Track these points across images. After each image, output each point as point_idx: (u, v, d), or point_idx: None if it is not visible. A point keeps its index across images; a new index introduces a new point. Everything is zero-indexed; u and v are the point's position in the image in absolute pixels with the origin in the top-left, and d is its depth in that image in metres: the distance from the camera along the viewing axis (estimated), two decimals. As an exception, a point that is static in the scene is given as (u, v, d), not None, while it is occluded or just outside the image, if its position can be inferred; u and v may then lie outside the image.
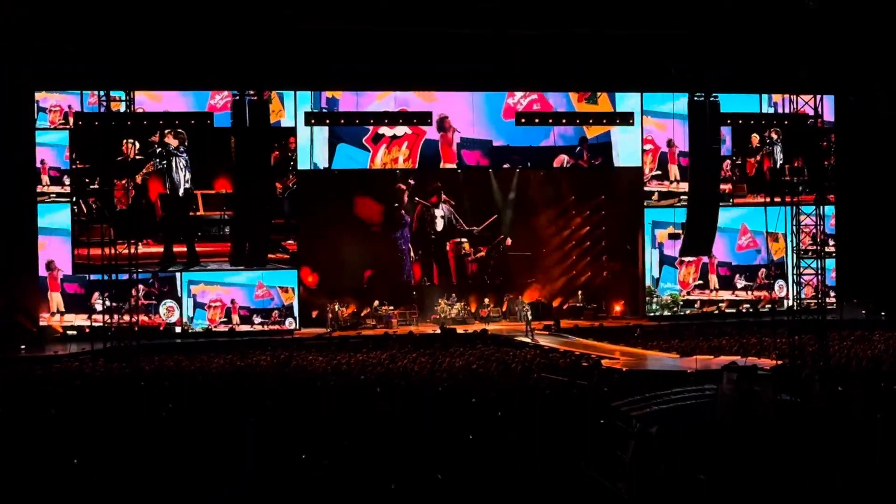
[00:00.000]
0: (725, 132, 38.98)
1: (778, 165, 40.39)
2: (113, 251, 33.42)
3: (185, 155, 37.85)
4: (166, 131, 37.57)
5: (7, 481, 17.42)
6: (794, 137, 34.19)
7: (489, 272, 42.66)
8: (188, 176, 37.97)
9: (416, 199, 42.00)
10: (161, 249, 38.07)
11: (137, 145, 37.02)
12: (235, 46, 34.95)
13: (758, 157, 41.43)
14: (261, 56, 34.88)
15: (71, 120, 36.61)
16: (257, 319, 38.58)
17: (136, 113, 35.42)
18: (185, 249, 38.31)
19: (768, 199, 40.19)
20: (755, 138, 41.23)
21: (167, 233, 38.06)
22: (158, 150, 37.61)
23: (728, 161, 40.92)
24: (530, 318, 38.26)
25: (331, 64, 37.56)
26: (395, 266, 41.96)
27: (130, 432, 20.55)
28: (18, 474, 17.71)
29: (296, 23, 34.83)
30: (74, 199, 36.91)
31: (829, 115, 39.36)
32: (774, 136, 40.96)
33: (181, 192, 38.04)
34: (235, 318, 38.38)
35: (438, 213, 42.32)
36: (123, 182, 36.14)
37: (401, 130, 39.83)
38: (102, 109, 33.04)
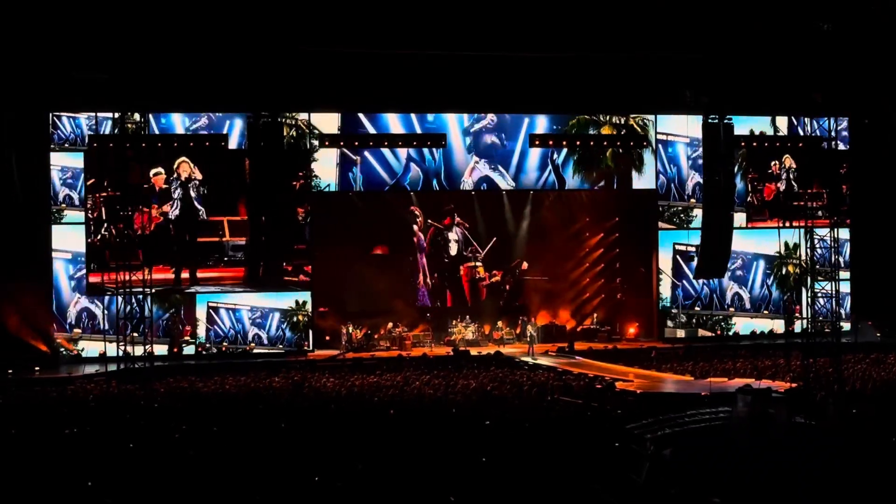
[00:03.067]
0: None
1: (795, 189, 40.02)
2: (127, 276, 33.26)
3: (197, 181, 37.83)
4: (180, 160, 37.68)
5: (23, 503, 17.45)
6: (811, 161, 34.17)
7: (505, 297, 42.67)
8: (202, 202, 37.89)
9: (429, 221, 41.98)
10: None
11: (164, 174, 37.17)
12: (249, 69, 35.07)
13: (777, 184, 41.25)
14: (275, 78, 35.01)
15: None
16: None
17: (151, 135, 35.49)
18: (210, 275, 38.32)
19: (783, 224, 39.94)
20: (776, 165, 41.12)
21: (181, 257, 38.08)
22: (174, 178, 37.58)
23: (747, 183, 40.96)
24: (535, 339, 38.40)
25: (344, 86, 37.62)
26: (409, 289, 42.00)
27: (144, 454, 20.58)
28: (34, 496, 17.73)
29: (308, 46, 34.91)
30: (105, 223, 36.66)
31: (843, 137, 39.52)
32: (788, 163, 40.79)
33: (201, 217, 38.00)
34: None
35: (452, 236, 42.25)
36: (151, 210, 36.21)
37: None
38: (117, 131, 33.09)
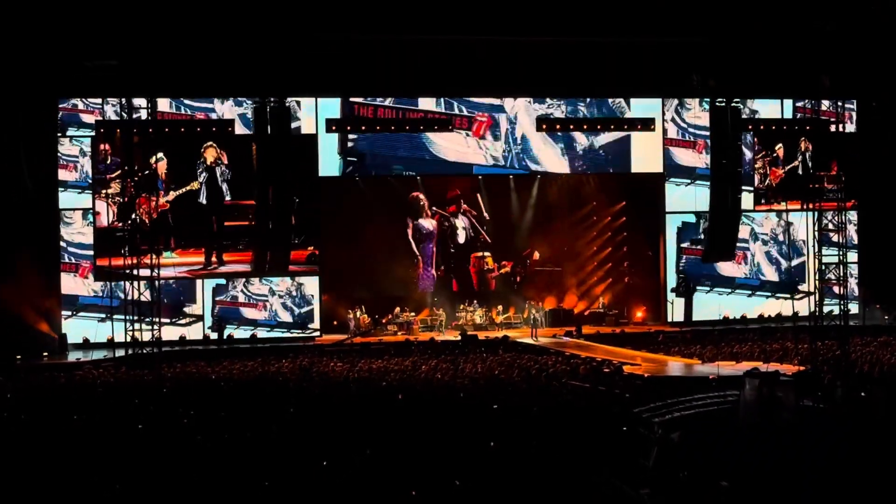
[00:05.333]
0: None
1: (811, 171, 39.97)
2: (135, 259, 33.32)
3: (223, 167, 37.91)
4: (207, 144, 37.81)
5: (31, 489, 17.47)
6: (824, 144, 34.12)
7: (515, 287, 42.55)
8: (227, 187, 38.03)
9: (434, 208, 41.84)
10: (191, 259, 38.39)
11: (166, 161, 37.30)
12: (257, 54, 35.05)
13: (786, 168, 41.28)
14: (282, 63, 34.99)
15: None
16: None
17: (159, 120, 35.51)
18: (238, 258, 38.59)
19: (789, 206, 39.94)
20: (780, 149, 41.20)
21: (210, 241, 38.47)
22: (200, 162, 37.77)
23: (760, 165, 41.03)
24: (539, 322, 38.50)
25: (352, 71, 37.60)
26: (415, 276, 41.92)
27: (153, 439, 20.61)
28: (43, 482, 17.76)
29: (317, 32, 34.92)
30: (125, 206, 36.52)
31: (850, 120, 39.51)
32: (803, 146, 40.82)
33: (226, 201, 38.26)
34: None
35: (459, 224, 42.06)
36: (160, 195, 36.33)
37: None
38: (124, 116, 33.08)
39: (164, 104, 37.07)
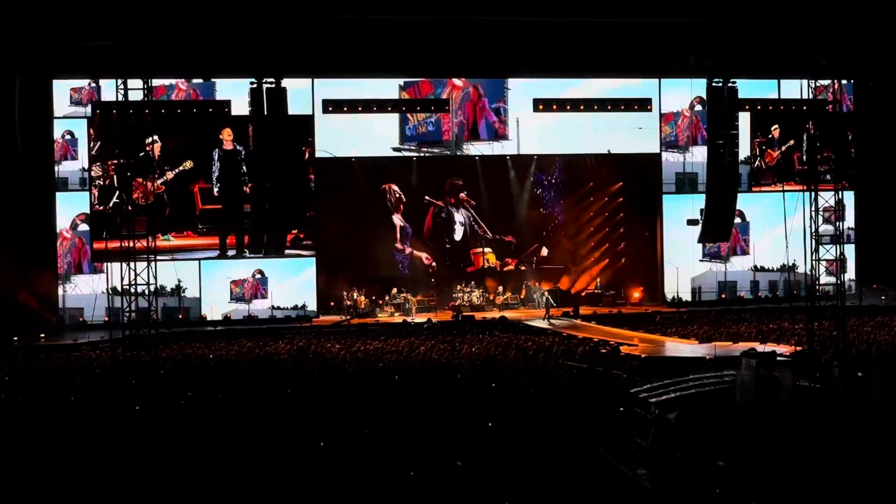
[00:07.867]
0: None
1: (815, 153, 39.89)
2: (132, 243, 33.20)
3: (241, 150, 37.84)
4: (224, 129, 37.82)
5: (30, 470, 17.49)
6: (823, 126, 34.03)
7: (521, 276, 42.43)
8: (243, 170, 37.97)
9: (427, 198, 41.62)
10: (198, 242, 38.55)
11: (160, 143, 37.16)
12: (252, 35, 34.94)
13: (782, 149, 41.25)
14: (278, 44, 34.89)
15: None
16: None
17: (155, 101, 35.36)
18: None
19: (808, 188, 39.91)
20: (776, 130, 41.15)
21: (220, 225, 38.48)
22: (216, 149, 37.80)
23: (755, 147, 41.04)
24: (551, 304, 38.30)
25: (344, 52, 37.50)
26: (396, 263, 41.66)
27: (151, 420, 20.63)
28: (42, 462, 17.78)
29: (309, 12, 34.82)
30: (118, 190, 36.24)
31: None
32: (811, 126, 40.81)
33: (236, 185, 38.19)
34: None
35: (457, 217, 41.62)
36: (155, 178, 36.25)
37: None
38: (120, 97, 32.95)
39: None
